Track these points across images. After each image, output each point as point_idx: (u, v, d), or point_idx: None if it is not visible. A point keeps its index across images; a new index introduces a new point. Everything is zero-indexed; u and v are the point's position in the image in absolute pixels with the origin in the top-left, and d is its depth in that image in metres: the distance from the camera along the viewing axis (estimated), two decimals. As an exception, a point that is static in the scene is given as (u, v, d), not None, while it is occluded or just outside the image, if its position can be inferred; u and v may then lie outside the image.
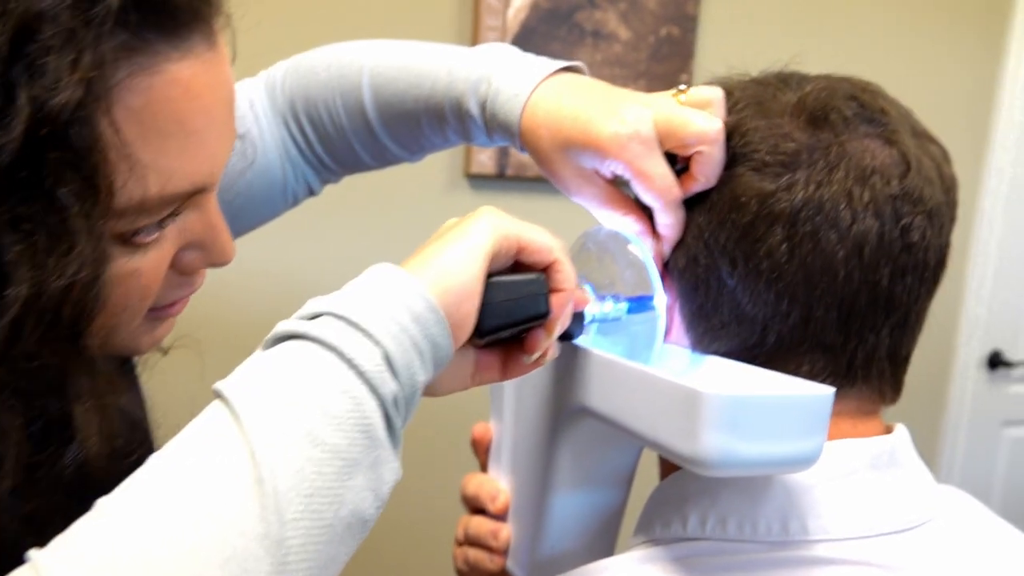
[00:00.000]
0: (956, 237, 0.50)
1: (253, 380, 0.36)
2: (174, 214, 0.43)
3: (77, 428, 0.41)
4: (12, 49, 0.35)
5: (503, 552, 0.61)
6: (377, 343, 0.36)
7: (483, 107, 0.57)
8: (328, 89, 0.66)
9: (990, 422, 2.09)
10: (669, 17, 1.80)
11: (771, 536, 0.47)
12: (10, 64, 0.35)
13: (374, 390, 0.36)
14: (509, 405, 0.60)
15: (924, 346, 0.52)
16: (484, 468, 0.66)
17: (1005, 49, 1.95)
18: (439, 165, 1.59)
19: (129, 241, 0.42)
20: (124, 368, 0.56)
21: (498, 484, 0.62)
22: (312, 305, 0.38)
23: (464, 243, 0.40)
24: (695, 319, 0.51)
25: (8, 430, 0.38)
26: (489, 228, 0.41)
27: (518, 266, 0.44)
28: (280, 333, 0.37)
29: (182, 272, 0.47)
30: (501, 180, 1.64)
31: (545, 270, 0.43)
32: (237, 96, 0.54)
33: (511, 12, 1.69)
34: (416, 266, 0.40)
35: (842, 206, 0.46)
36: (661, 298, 0.50)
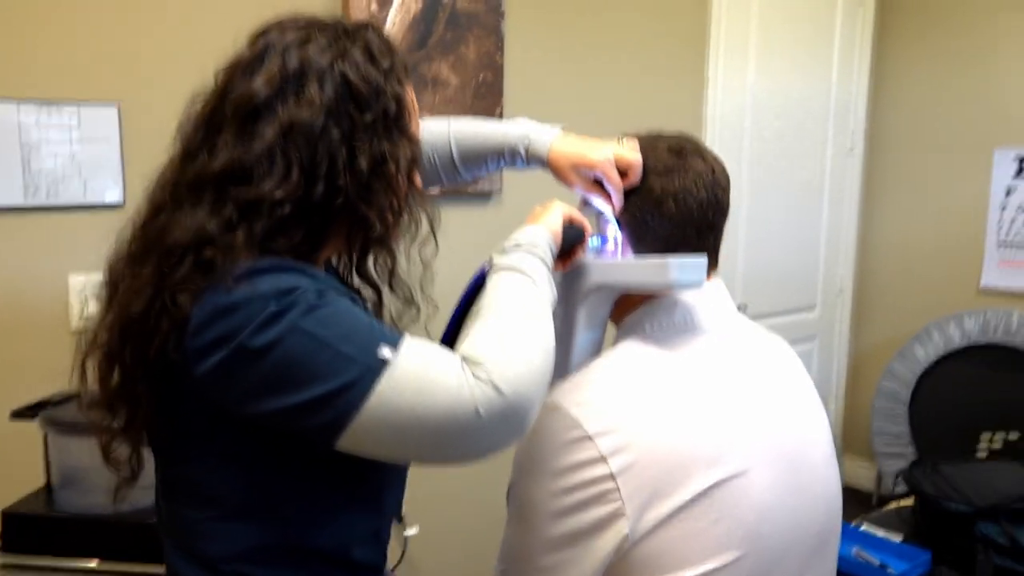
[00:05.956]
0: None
1: (523, 264, 0.93)
2: None
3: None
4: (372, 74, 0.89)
5: None
6: (541, 249, 0.94)
7: (526, 150, 1.18)
8: (428, 145, 1.24)
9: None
10: (484, 65, 2.38)
11: (680, 325, 1.11)
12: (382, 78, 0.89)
13: (544, 263, 0.93)
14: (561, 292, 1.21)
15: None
16: None
17: (705, 75, 2.85)
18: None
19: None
20: None
21: None
22: (514, 237, 0.97)
23: (555, 213, 1.02)
24: (635, 243, 1.14)
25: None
26: (560, 209, 1.04)
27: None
28: (507, 246, 0.95)
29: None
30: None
31: (581, 226, 1.06)
32: None
33: (373, 68, 2.22)
34: (542, 222, 1.01)
35: (692, 188, 1.11)
36: (616, 233, 1.14)
